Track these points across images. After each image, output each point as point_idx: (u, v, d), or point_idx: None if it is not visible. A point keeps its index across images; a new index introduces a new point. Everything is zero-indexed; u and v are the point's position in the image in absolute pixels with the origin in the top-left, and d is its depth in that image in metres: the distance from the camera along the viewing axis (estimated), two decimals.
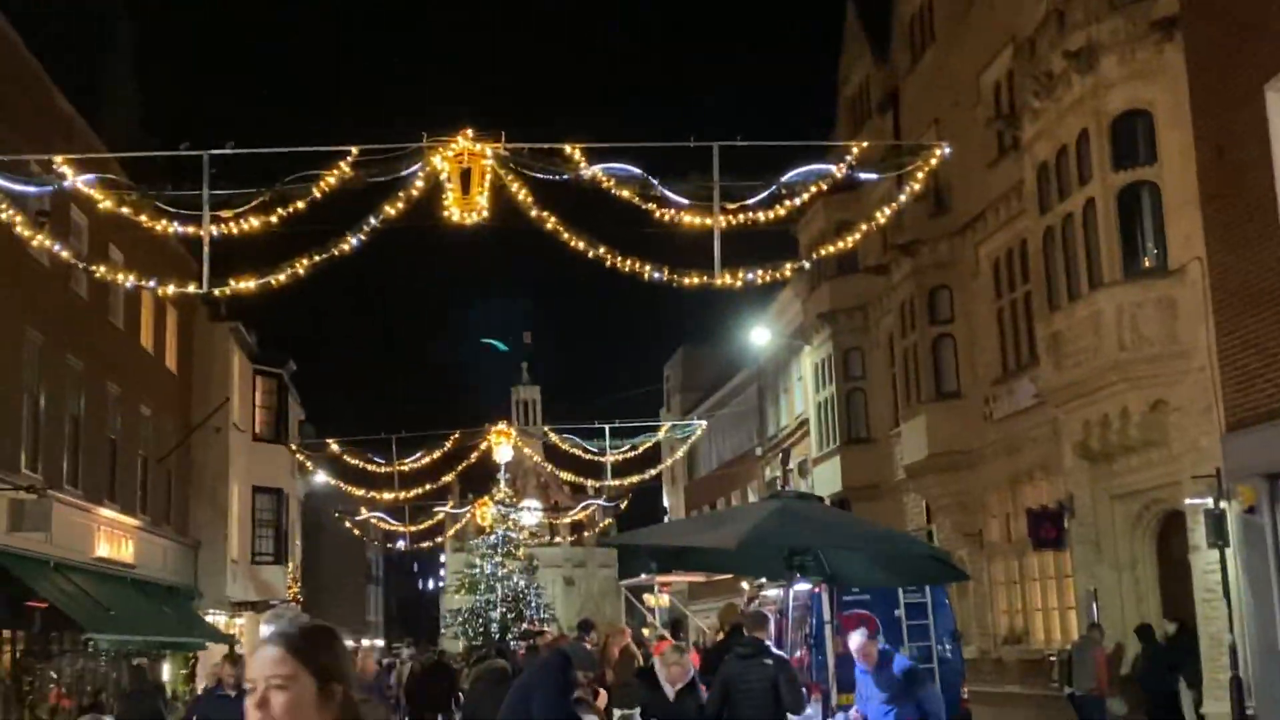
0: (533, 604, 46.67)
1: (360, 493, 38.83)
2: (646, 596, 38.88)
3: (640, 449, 36.01)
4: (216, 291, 15.33)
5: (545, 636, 19.67)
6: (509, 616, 44.46)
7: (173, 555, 33.29)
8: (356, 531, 49.37)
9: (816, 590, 17.00)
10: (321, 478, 42.99)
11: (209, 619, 34.90)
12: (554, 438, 36.68)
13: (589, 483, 38.55)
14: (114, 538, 28.08)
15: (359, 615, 75.63)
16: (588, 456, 35.86)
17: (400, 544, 56.45)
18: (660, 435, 36.88)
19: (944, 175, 25.55)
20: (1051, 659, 22.36)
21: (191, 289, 15.47)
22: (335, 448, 36.00)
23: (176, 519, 34.02)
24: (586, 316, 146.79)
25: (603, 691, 15.55)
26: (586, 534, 64.95)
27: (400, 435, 35.03)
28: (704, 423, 38.20)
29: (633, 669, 14.31)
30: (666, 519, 55.56)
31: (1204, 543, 16.28)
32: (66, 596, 23.24)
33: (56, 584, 23.43)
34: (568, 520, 57.92)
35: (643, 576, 29.99)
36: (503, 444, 38.39)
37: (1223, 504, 15.84)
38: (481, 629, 41.79)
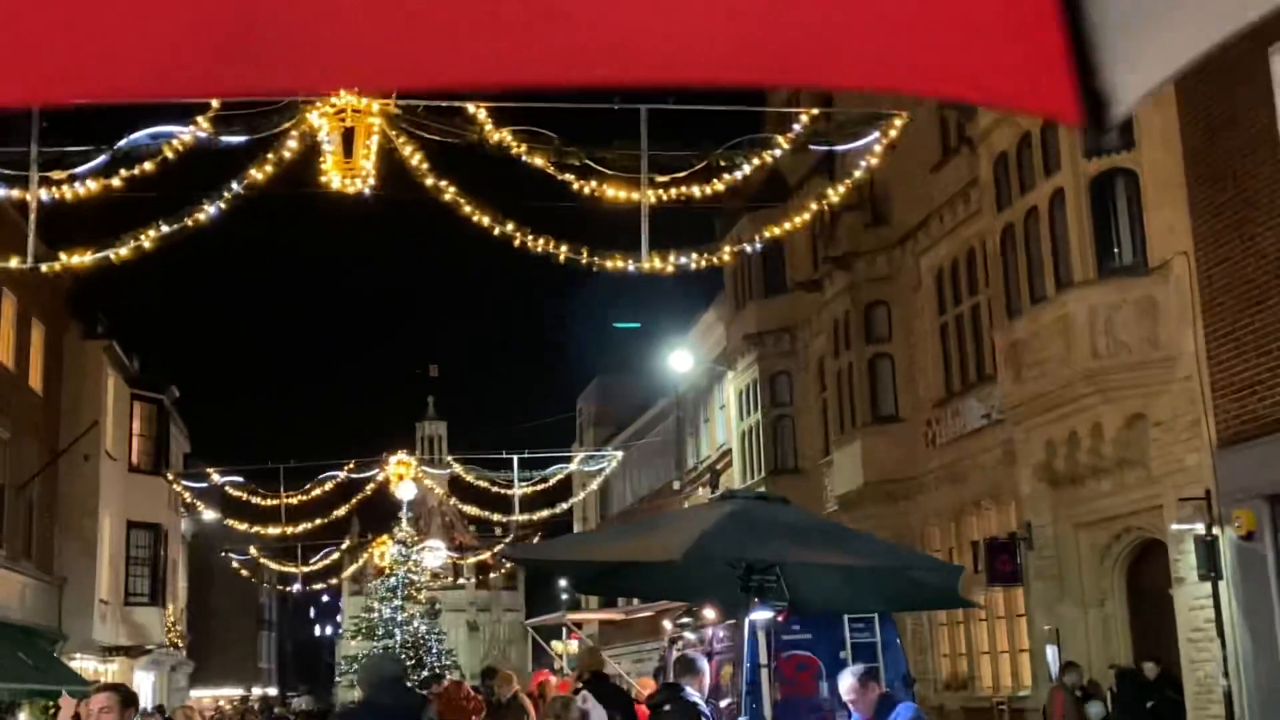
0: (434, 650, 43.92)
1: (245, 528, 35.84)
2: (554, 642, 36.33)
3: (551, 481, 33.60)
4: (44, 267, 12.79)
5: (440, 685, 17.14)
6: (409, 664, 41.67)
7: (33, 594, 30.09)
8: (245, 572, 46.19)
9: (750, 624, 14.80)
10: (212, 514, 39.94)
11: (74, 664, 31.66)
12: (459, 469, 34.13)
13: (496, 516, 36.01)
14: None
15: (249, 662, 71.81)
16: (495, 490, 33.35)
17: (294, 586, 53.33)
18: (573, 466, 34.53)
19: (880, 184, 23.74)
20: (1001, 706, 20.38)
21: (14, 263, 12.90)
22: (217, 478, 33.07)
23: (39, 554, 30.85)
24: (496, 345, 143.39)
25: None
26: (492, 576, 62.22)
27: (289, 465, 32.22)
28: (619, 454, 35.90)
29: None
30: None
31: (1191, 574, 14.35)
32: None
33: None
34: (472, 561, 55.15)
35: (554, 615, 27.51)
36: (405, 481, 35.79)
37: (1215, 530, 13.93)
38: None
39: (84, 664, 32.73)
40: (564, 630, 35.61)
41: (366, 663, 7.28)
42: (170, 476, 36.71)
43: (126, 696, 6.59)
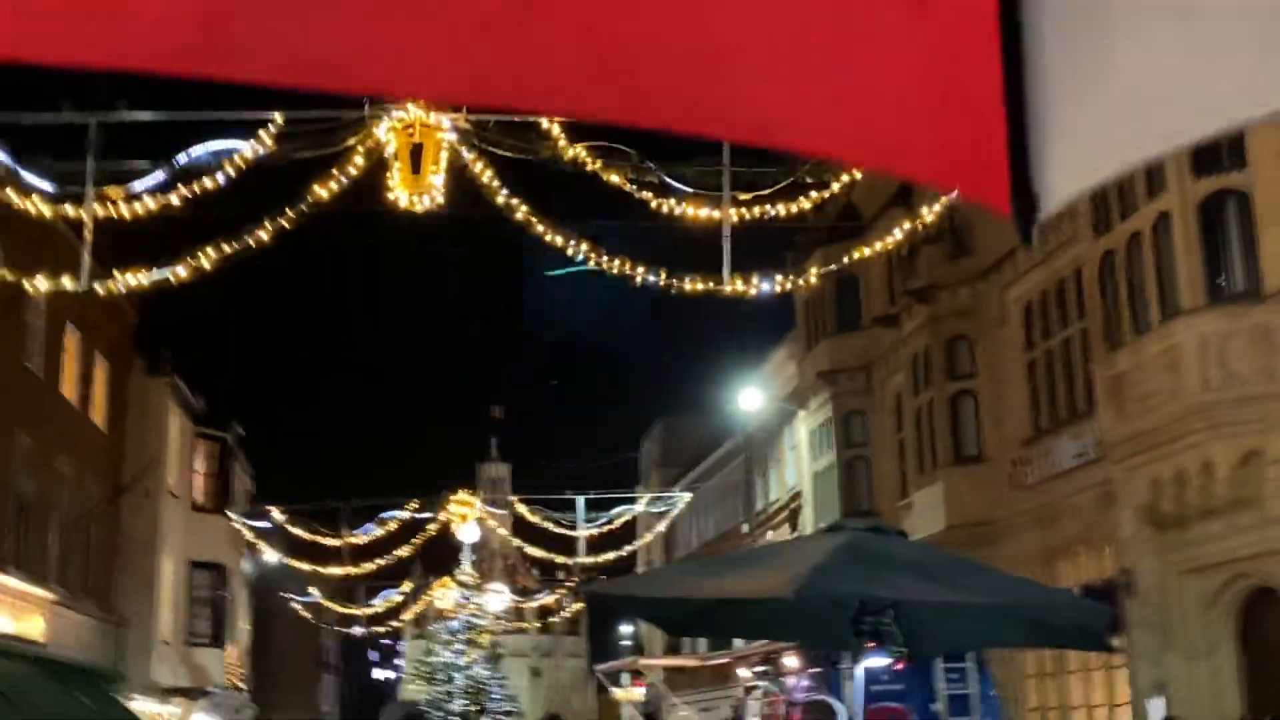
0: (495, 696, 43.10)
1: (307, 568, 35.31)
2: (615, 690, 35.32)
3: (616, 523, 32.80)
4: (99, 287, 12.25)
5: None
6: (470, 709, 40.89)
7: (92, 633, 29.70)
8: (306, 614, 45.69)
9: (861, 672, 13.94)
10: (276, 557, 39.45)
11: (134, 705, 31.16)
12: (523, 510, 33.43)
13: (559, 558, 35.25)
14: (18, 611, 24.58)
15: (310, 705, 71.18)
16: (559, 530, 32.59)
17: (355, 629, 52.73)
18: (639, 508, 33.69)
19: (963, 214, 22.88)
20: None
21: (67, 283, 12.37)
22: (278, 516, 32.59)
23: (99, 593, 30.47)
24: (558, 386, 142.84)
25: None
26: (555, 621, 61.31)
27: (351, 504, 31.68)
28: (687, 495, 35.00)
29: None
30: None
31: None
32: None
33: None
34: (535, 605, 54.28)
35: (625, 661, 26.65)
36: (468, 523, 35.21)
37: None
38: None
39: (143, 705, 32.21)
40: (623, 678, 34.69)
41: (387, 706, 6.47)
42: (232, 515, 36.29)
43: None
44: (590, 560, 33.58)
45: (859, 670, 6.85)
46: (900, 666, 6.85)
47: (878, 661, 6.71)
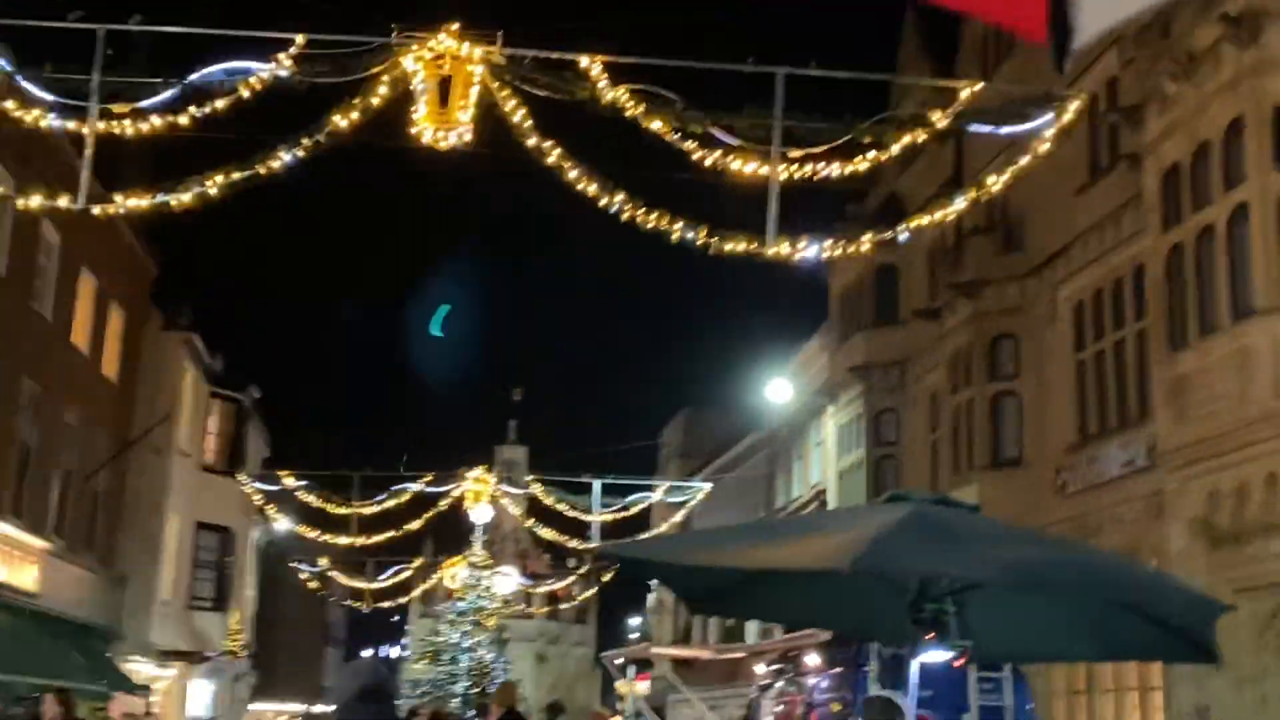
0: (499, 680, 42.34)
1: (314, 535, 34.50)
2: (619, 682, 34.34)
3: (633, 510, 31.90)
4: (96, 209, 11.40)
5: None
6: (473, 692, 40.16)
7: (90, 589, 28.94)
8: (313, 585, 44.92)
9: (863, 671, 12.94)
10: (286, 525, 38.66)
11: (130, 666, 30.45)
12: (538, 491, 32.56)
13: (572, 543, 34.34)
14: (11, 559, 23.85)
15: (313, 678, 70.60)
16: (573, 514, 31.71)
17: (363, 604, 52.00)
18: (657, 495, 32.78)
19: (1015, 206, 21.92)
20: None
21: (63, 202, 11.51)
22: (289, 482, 31.78)
23: (100, 548, 29.73)
24: (581, 369, 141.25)
25: None
26: (563, 608, 60.56)
27: (364, 473, 30.86)
28: (707, 485, 34.06)
29: None
30: (650, 597, 51.15)
31: None
32: None
33: None
34: (543, 590, 53.47)
35: (637, 647, 25.80)
36: (481, 503, 34.37)
37: None
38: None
39: (140, 667, 31.49)
40: (629, 669, 33.75)
41: (344, 672, 5.56)
42: (240, 478, 35.50)
43: None
44: (604, 545, 32.69)
45: (914, 663, 5.91)
46: (961, 663, 5.90)
47: (937, 656, 5.75)
